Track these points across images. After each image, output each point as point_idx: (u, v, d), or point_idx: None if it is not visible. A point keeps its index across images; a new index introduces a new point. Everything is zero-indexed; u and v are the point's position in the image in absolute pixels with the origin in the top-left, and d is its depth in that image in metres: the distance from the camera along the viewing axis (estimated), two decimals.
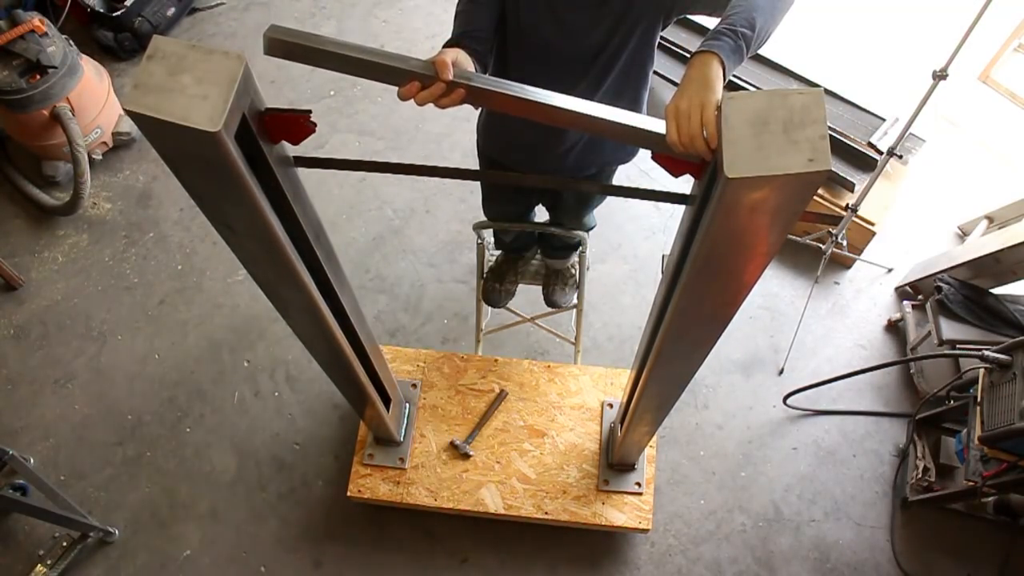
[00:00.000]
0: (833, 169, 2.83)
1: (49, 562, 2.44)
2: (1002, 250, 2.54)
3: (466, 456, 2.40)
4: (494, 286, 2.63)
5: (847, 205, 2.69)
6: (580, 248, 2.43)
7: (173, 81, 0.96)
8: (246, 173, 1.06)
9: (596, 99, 1.70)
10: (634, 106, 1.80)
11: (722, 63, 1.14)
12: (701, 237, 1.09)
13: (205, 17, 3.77)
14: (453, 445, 2.40)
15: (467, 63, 1.38)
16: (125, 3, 3.46)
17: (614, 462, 2.36)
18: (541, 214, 2.54)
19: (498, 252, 2.67)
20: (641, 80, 1.74)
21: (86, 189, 3.03)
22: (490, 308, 2.72)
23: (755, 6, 1.23)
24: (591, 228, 2.47)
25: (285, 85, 3.53)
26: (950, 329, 2.52)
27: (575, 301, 2.55)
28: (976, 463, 2.25)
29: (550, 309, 2.68)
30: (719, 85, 1.12)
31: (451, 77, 1.18)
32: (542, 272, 2.69)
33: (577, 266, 2.59)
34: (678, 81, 3.29)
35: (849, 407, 2.80)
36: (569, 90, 1.70)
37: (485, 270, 2.57)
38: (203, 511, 2.62)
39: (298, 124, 1.13)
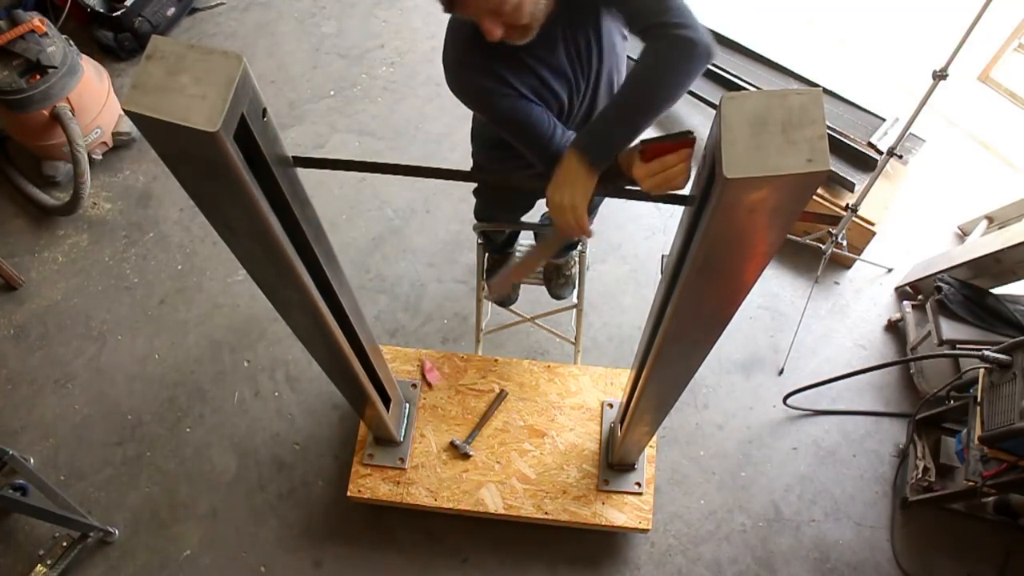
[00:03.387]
0: (833, 169, 2.83)
1: (49, 562, 2.44)
2: (1002, 250, 2.54)
3: (466, 456, 2.40)
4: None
5: (847, 205, 2.69)
6: (580, 248, 2.44)
7: (172, 81, 0.96)
8: (245, 173, 1.06)
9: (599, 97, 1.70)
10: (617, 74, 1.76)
11: (587, 158, 1.36)
12: (700, 237, 1.09)
13: (205, 17, 3.77)
14: (453, 445, 2.40)
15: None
16: (125, 3, 3.46)
17: (614, 462, 2.37)
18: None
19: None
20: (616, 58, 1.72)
21: (86, 189, 3.03)
22: (490, 307, 2.72)
23: (635, 91, 1.40)
24: None
25: (285, 85, 3.54)
26: (950, 329, 2.52)
27: (575, 294, 2.55)
28: (976, 463, 2.25)
29: (550, 309, 2.68)
30: (581, 179, 1.37)
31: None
32: (541, 269, 2.69)
33: (576, 260, 2.59)
34: None
35: (849, 407, 2.80)
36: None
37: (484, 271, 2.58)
38: (203, 511, 2.62)
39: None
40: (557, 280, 2.65)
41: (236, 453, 2.72)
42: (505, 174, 2.10)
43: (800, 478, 2.68)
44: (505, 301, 2.67)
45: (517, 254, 2.69)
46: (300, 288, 1.39)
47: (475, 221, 2.37)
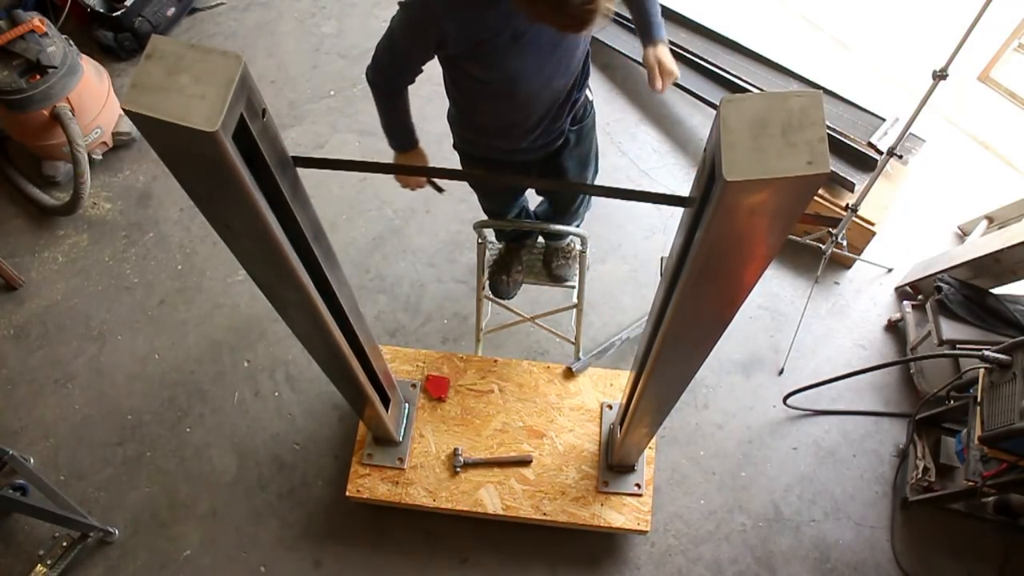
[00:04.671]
0: (833, 169, 2.83)
1: (49, 562, 2.44)
2: (1002, 250, 2.54)
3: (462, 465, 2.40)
4: (501, 278, 2.64)
5: (847, 205, 2.69)
6: (580, 248, 2.43)
7: (171, 81, 0.96)
8: (244, 173, 1.06)
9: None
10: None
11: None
12: (700, 239, 1.09)
13: (205, 17, 3.77)
14: (455, 453, 2.39)
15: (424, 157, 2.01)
16: (125, 3, 3.46)
17: (613, 463, 2.36)
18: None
19: (499, 244, 2.67)
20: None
21: (86, 189, 3.03)
22: (490, 307, 2.72)
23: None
24: (585, 212, 2.49)
25: (285, 85, 3.53)
26: (950, 329, 2.52)
27: (576, 294, 2.55)
28: (976, 463, 2.25)
29: (550, 309, 2.68)
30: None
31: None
32: (540, 266, 2.69)
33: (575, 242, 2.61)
34: (678, 81, 3.33)
35: (849, 407, 2.80)
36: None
37: (487, 266, 2.58)
38: (203, 511, 2.62)
39: None
40: (557, 260, 2.65)
41: (236, 453, 2.72)
42: (501, 174, 2.11)
43: (800, 478, 2.68)
44: (507, 293, 2.67)
45: (536, 249, 2.70)
46: (299, 288, 1.39)
47: (475, 220, 2.37)
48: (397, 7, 1.68)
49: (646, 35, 1.89)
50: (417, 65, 1.81)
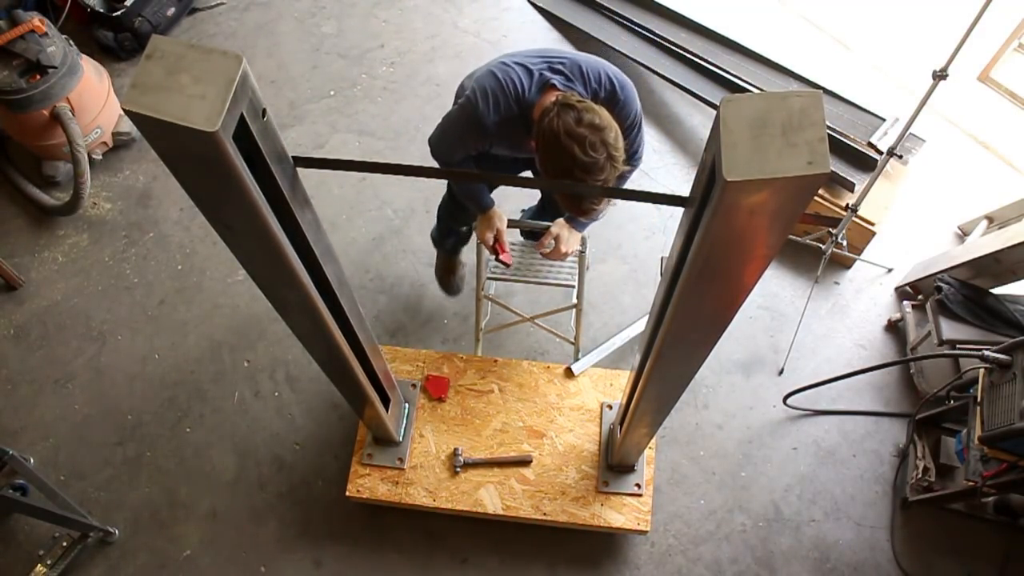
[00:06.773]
0: (833, 169, 2.83)
1: (49, 562, 2.44)
2: (1002, 250, 2.54)
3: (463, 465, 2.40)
4: (451, 279, 2.83)
5: (847, 205, 2.69)
6: (580, 247, 2.43)
7: (171, 81, 0.96)
8: (244, 173, 1.06)
9: None
10: None
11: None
12: (700, 239, 1.09)
13: (205, 17, 3.77)
14: (455, 453, 2.40)
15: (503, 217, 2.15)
16: (125, 3, 3.46)
17: (613, 463, 2.36)
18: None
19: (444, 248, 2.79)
20: None
21: (86, 189, 3.03)
22: (490, 307, 2.73)
23: None
24: None
25: (285, 85, 3.53)
26: (950, 329, 2.52)
27: (575, 294, 2.55)
28: (976, 463, 2.25)
29: (550, 309, 2.67)
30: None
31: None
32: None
33: None
34: (678, 81, 3.31)
35: (849, 407, 2.80)
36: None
37: (436, 272, 2.80)
38: (203, 511, 2.62)
39: None
40: None
41: (236, 453, 2.72)
42: (504, 175, 2.13)
43: (800, 478, 2.68)
44: (459, 288, 2.87)
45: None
46: (299, 288, 1.39)
47: (475, 222, 2.37)
48: (456, 106, 1.97)
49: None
50: (463, 154, 2.01)
